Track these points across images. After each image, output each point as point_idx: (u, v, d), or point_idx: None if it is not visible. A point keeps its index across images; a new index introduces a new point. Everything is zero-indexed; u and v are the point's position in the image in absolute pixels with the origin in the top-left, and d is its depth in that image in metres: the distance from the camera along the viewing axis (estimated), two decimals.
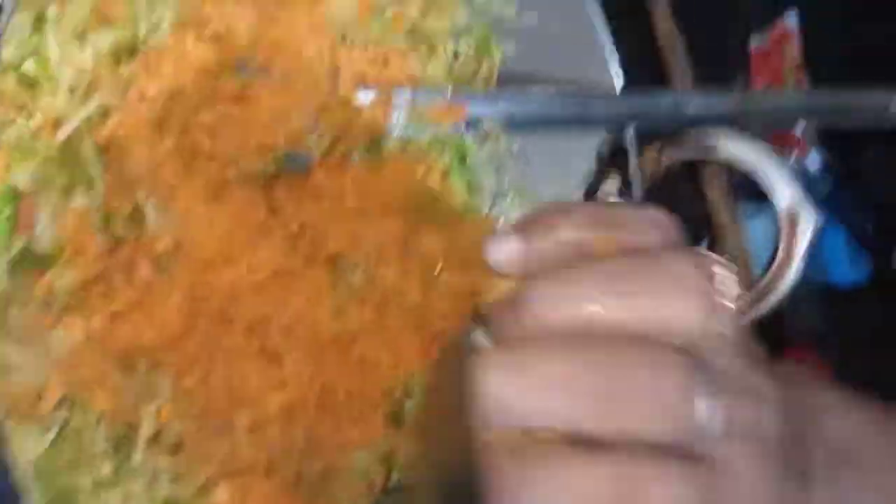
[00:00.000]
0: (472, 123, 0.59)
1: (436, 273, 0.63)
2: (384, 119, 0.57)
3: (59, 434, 0.45)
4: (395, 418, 0.61)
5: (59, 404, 0.46)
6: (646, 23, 0.62)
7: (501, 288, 0.50)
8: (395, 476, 0.61)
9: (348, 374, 0.58)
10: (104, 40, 0.44)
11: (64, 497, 0.43)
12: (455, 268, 0.64)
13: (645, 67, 0.62)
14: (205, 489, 0.50)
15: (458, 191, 0.64)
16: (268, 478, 0.52)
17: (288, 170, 0.57)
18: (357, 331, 0.57)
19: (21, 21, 0.42)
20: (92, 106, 0.45)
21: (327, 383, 0.57)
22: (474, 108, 0.59)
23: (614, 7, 0.60)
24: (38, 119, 0.44)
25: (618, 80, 0.60)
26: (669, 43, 0.77)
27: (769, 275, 0.59)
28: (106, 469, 0.46)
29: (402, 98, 0.57)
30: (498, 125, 0.59)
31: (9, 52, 0.42)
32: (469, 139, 0.64)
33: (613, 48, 0.59)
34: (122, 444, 0.48)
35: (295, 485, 0.55)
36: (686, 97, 0.61)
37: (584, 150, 0.63)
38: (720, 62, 0.78)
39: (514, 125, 0.61)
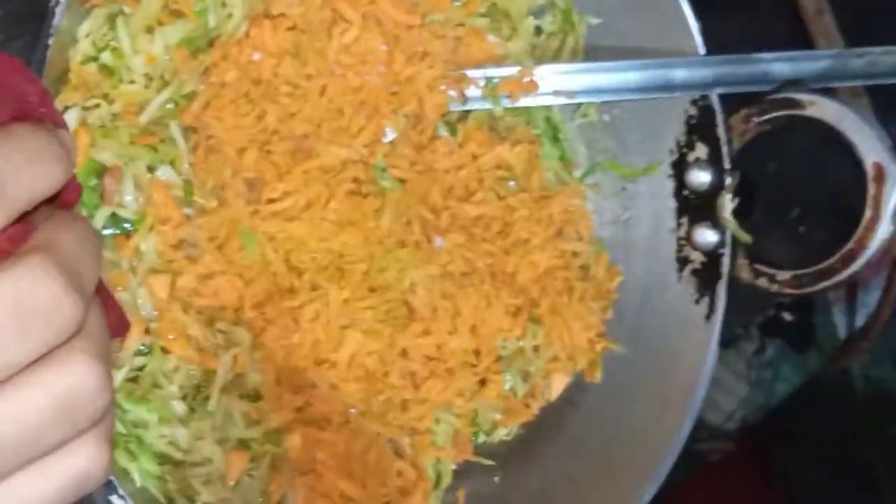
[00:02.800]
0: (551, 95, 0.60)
1: (529, 244, 0.65)
2: (457, 96, 0.59)
3: (133, 377, 0.51)
4: (483, 380, 0.64)
5: (139, 351, 0.52)
6: None
7: None
8: (481, 437, 0.64)
9: (439, 336, 0.61)
10: (174, 33, 0.50)
11: (132, 428, 0.49)
12: (548, 238, 0.66)
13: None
14: (278, 434, 0.54)
15: (550, 164, 0.66)
16: (340, 431, 0.56)
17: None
18: (448, 298, 0.60)
19: (97, 18, 0.49)
20: (168, 92, 0.51)
21: (418, 346, 0.61)
22: (556, 81, 0.60)
23: None
24: (119, 104, 0.50)
25: (700, 48, 0.60)
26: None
27: (858, 233, 0.57)
28: (179, 410, 0.51)
29: (476, 74, 0.59)
30: (574, 96, 0.60)
31: (86, 46, 0.49)
32: (557, 113, 0.66)
33: (693, 15, 0.59)
34: (199, 389, 0.53)
35: (374, 440, 0.59)
36: (771, 60, 0.60)
37: (673, 119, 0.63)
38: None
39: (600, 94, 0.62)
